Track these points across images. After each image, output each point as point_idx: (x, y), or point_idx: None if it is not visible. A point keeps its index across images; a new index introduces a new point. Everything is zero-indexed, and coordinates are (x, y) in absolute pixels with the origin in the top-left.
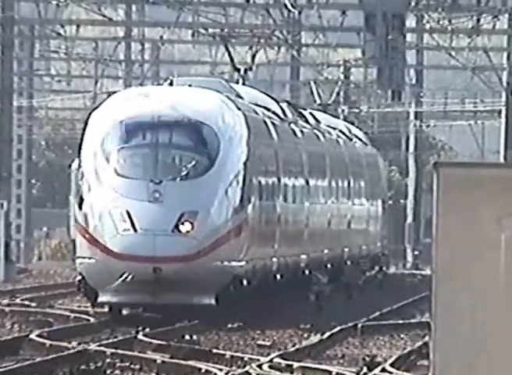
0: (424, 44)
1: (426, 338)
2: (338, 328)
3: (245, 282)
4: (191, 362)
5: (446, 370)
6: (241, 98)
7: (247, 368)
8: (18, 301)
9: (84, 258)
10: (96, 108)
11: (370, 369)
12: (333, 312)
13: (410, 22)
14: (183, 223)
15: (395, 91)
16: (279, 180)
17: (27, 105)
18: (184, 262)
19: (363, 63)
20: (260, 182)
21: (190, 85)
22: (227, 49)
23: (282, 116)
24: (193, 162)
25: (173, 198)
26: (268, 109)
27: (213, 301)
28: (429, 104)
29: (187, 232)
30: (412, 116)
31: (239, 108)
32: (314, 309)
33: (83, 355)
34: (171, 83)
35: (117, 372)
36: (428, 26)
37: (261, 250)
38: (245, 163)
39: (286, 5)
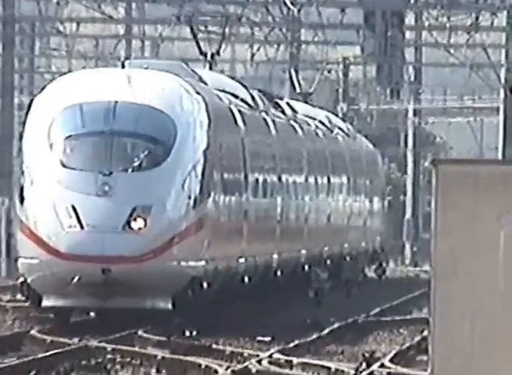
0: (422, 41)
1: (425, 333)
2: (337, 324)
3: (205, 284)
4: (191, 358)
5: (445, 365)
6: (204, 83)
7: (247, 363)
8: (19, 297)
9: (26, 258)
10: (40, 92)
11: (369, 365)
12: (332, 308)
13: (409, 19)
14: (135, 219)
15: (394, 89)
16: (245, 172)
17: (28, 102)
18: (136, 263)
19: (362, 61)
20: (222, 174)
21: (146, 68)
22: (192, 32)
23: (251, 103)
24: (147, 152)
25: (124, 191)
26: (236, 96)
27: (169, 306)
28: (428, 101)
29: (140, 229)
30: (411, 113)
31: (199, 93)
32: (314, 305)
33: (84, 350)
34: (122, 65)
35: (117, 367)
36: (426, 24)
37: (224, 249)
38: (205, 153)
39: (285, 3)
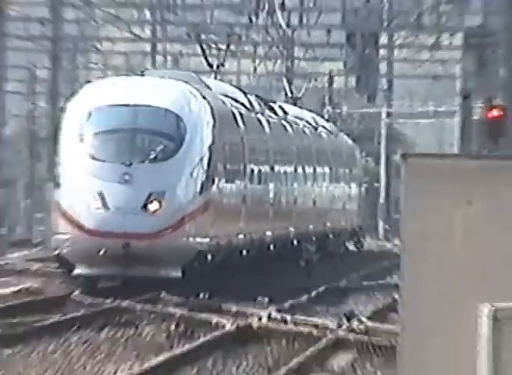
0: (394, 57)
1: (396, 296)
2: (323, 288)
3: (209, 257)
4: (205, 315)
5: (411, 322)
6: (210, 89)
7: (250, 320)
8: None
9: (60, 233)
10: (72, 96)
11: (349, 321)
12: (319, 275)
13: (383, 39)
14: (151, 202)
15: (370, 95)
16: (244, 163)
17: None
18: (152, 239)
19: (344, 73)
20: (225, 165)
21: (162, 77)
22: (201, 47)
23: (249, 106)
24: (161, 147)
25: (142, 179)
26: (236, 100)
27: (179, 274)
28: (398, 106)
29: (155, 211)
30: (384, 116)
31: (204, 98)
32: (305, 274)
33: (117, 310)
34: (142, 74)
35: (144, 323)
36: (397, 43)
37: (226, 227)
38: (210, 148)
39: (281, 26)
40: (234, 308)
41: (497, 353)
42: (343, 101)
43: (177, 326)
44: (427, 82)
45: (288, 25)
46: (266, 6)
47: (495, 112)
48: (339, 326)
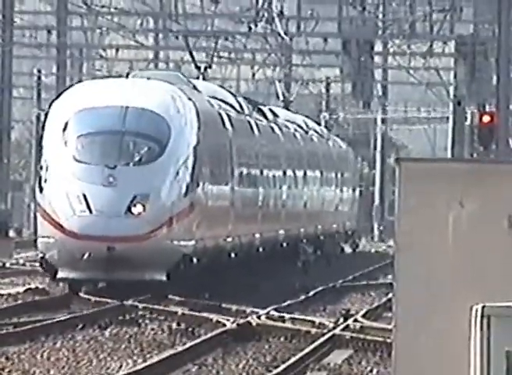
0: (388, 64)
1: (390, 295)
2: (320, 288)
3: (195, 260)
4: (205, 314)
5: (405, 320)
6: (198, 91)
7: (249, 318)
8: None
9: (44, 237)
10: (56, 98)
11: (345, 320)
12: (316, 275)
13: (378, 47)
14: (135, 205)
15: (365, 102)
16: (231, 166)
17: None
18: (136, 242)
19: (340, 79)
20: (210, 167)
21: (148, 78)
22: (189, 49)
23: (238, 109)
24: (145, 149)
25: (126, 182)
26: (226, 102)
27: (164, 278)
28: (392, 112)
29: (139, 213)
30: (379, 122)
31: (190, 99)
32: (303, 272)
33: (121, 308)
34: (127, 76)
35: (147, 321)
36: (391, 50)
37: (212, 230)
38: (195, 150)
39: (279, 34)
40: (234, 307)
41: (487, 349)
42: (340, 107)
43: (178, 324)
44: (420, 89)
45: (286, 33)
46: (265, 15)
47: (486, 118)
48: (336, 324)
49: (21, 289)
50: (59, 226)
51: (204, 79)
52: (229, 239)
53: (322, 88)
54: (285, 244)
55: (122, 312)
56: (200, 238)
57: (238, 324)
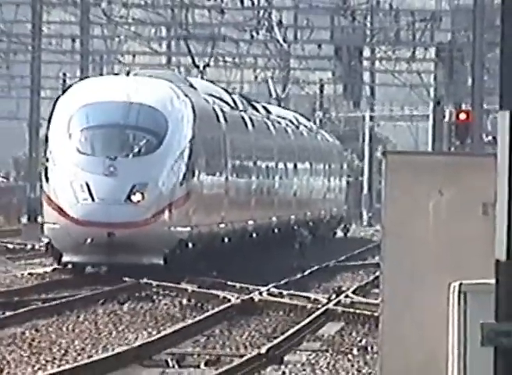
0: (375, 68)
1: (377, 274)
2: (315, 267)
3: (191, 245)
4: (213, 291)
5: (391, 296)
6: (194, 88)
7: (251, 295)
8: None
9: (50, 223)
10: (62, 93)
11: (337, 296)
12: (312, 255)
13: (366, 52)
14: (134, 194)
15: (355, 101)
16: (225, 157)
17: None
18: (135, 228)
19: (333, 81)
20: (205, 158)
21: (150, 76)
22: (188, 49)
23: (232, 105)
24: (144, 141)
25: (126, 172)
26: (221, 99)
27: (161, 262)
28: (379, 110)
29: (138, 201)
30: (367, 119)
31: (186, 95)
32: (299, 254)
33: (137, 286)
34: (128, 74)
35: (160, 298)
36: (378, 56)
37: (207, 217)
38: (190, 142)
39: (278, 41)
40: (238, 285)
41: (464, 321)
42: (332, 107)
43: (188, 300)
44: (404, 90)
45: (284, 40)
46: (265, 24)
47: (462, 116)
48: (329, 300)
49: (49, 269)
50: (64, 213)
51: (202, 77)
52: (223, 225)
53: (317, 89)
54: (277, 230)
55: (139, 289)
56: (195, 225)
57: (242, 300)
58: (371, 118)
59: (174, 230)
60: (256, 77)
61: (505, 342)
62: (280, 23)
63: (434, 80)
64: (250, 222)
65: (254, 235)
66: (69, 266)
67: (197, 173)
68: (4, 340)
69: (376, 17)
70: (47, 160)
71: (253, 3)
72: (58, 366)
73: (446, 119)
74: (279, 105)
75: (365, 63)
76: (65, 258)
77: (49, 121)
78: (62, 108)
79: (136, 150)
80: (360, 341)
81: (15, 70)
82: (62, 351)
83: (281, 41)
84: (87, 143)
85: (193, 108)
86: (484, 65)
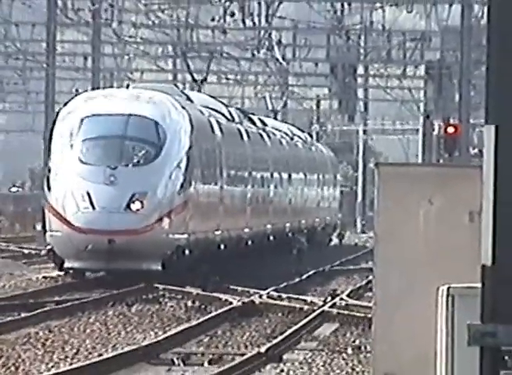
0: (369, 84)
1: (370, 278)
2: (312, 271)
3: (187, 251)
4: (215, 294)
5: (383, 299)
6: (191, 101)
7: (252, 297)
8: None
9: (52, 231)
10: (64, 106)
11: (333, 298)
12: (309, 261)
13: (360, 70)
14: (133, 202)
15: (350, 116)
16: (221, 167)
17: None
18: (134, 235)
19: (329, 97)
20: (202, 169)
21: (147, 89)
22: (187, 64)
23: (229, 117)
24: (143, 152)
25: (126, 181)
26: (217, 111)
27: (159, 267)
28: (372, 124)
29: (137, 210)
30: (361, 133)
31: (183, 108)
32: (296, 260)
33: (145, 289)
34: (127, 87)
35: (166, 300)
36: (371, 73)
37: (203, 224)
38: (187, 153)
39: (277, 59)
40: (239, 288)
41: (451, 322)
42: (328, 121)
43: (193, 302)
44: (396, 105)
45: (283, 58)
46: (266, 43)
47: (450, 130)
48: (325, 302)
49: (62, 272)
50: (65, 221)
51: (199, 90)
52: (219, 232)
53: (313, 105)
54: (272, 238)
55: (146, 292)
56: (192, 232)
57: (243, 302)
58: (365, 131)
59: (172, 236)
60: (256, 93)
61: (490, 342)
62: (279, 42)
63: (424, 95)
64: (246, 229)
65: (250, 242)
66: (70, 271)
67: (193, 182)
68: (19, 339)
69: (369, 37)
70: (49, 170)
71: (254, 23)
72: (70, 364)
73: (435, 132)
74: (275, 118)
75: (359, 80)
76: (66, 265)
77: (51, 132)
78: (64, 120)
79: (135, 160)
80: (354, 341)
81: (31, 86)
82: (74, 350)
83: (280, 60)
84: (88, 153)
85: (190, 119)
86: (470, 82)
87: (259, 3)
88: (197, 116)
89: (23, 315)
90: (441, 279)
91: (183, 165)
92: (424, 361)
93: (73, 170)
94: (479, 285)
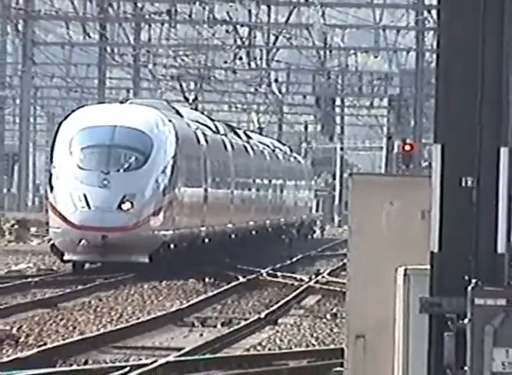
0: (345, 113)
1: (345, 261)
2: (300, 256)
3: (172, 246)
4: (226, 272)
5: (355, 277)
6: (180, 115)
7: (254, 275)
8: None
9: (53, 227)
10: (66, 118)
11: (316, 276)
12: (297, 248)
13: (338, 101)
14: (124, 203)
15: (330, 136)
16: (205, 173)
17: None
18: (125, 231)
19: (314, 122)
20: (186, 173)
21: (139, 104)
22: (180, 85)
23: (214, 129)
24: (133, 158)
25: (117, 184)
26: (204, 125)
27: (147, 260)
28: (347, 143)
29: (128, 209)
30: (338, 149)
31: (170, 121)
32: (288, 246)
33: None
34: (122, 102)
35: (188, 276)
36: (347, 104)
37: (188, 222)
38: (173, 160)
39: (275, 93)
40: (245, 267)
41: (407, 296)
42: (313, 140)
43: (209, 278)
44: (365, 128)
45: (280, 92)
46: (265, 80)
47: (407, 148)
48: (310, 279)
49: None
50: (65, 219)
51: (192, 108)
52: (204, 228)
53: (302, 128)
54: (254, 232)
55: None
56: (176, 228)
57: (248, 279)
58: (342, 148)
59: (158, 233)
60: (258, 119)
61: (437, 310)
62: (276, 80)
63: (387, 121)
64: (229, 225)
65: (233, 236)
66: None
67: (178, 185)
68: (76, 306)
69: (346, 76)
70: (51, 174)
71: (257, 65)
72: (115, 326)
73: (395, 150)
74: (260, 134)
75: (337, 109)
76: (66, 257)
77: (53, 142)
78: (65, 131)
79: (126, 166)
80: (332, 309)
81: None
82: (118, 315)
83: (277, 93)
84: (85, 160)
85: (175, 131)
86: (423, 111)
87: (261, 50)
88: (183, 128)
89: (79, 287)
90: (399, 262)
91: (168, 170)
92: (386, 326)
93: (72, 174)
94: (429, 267)
